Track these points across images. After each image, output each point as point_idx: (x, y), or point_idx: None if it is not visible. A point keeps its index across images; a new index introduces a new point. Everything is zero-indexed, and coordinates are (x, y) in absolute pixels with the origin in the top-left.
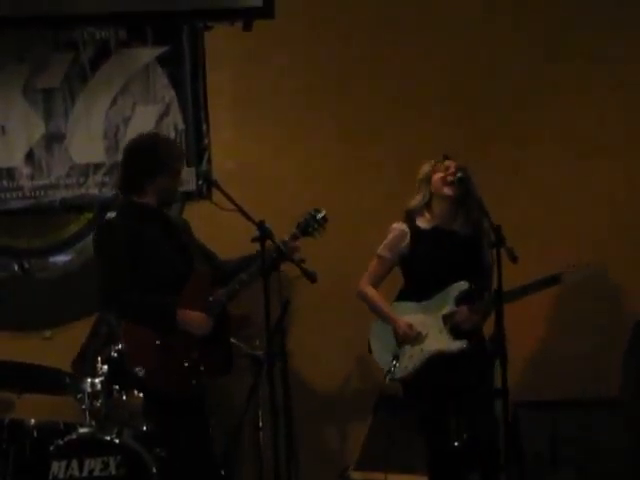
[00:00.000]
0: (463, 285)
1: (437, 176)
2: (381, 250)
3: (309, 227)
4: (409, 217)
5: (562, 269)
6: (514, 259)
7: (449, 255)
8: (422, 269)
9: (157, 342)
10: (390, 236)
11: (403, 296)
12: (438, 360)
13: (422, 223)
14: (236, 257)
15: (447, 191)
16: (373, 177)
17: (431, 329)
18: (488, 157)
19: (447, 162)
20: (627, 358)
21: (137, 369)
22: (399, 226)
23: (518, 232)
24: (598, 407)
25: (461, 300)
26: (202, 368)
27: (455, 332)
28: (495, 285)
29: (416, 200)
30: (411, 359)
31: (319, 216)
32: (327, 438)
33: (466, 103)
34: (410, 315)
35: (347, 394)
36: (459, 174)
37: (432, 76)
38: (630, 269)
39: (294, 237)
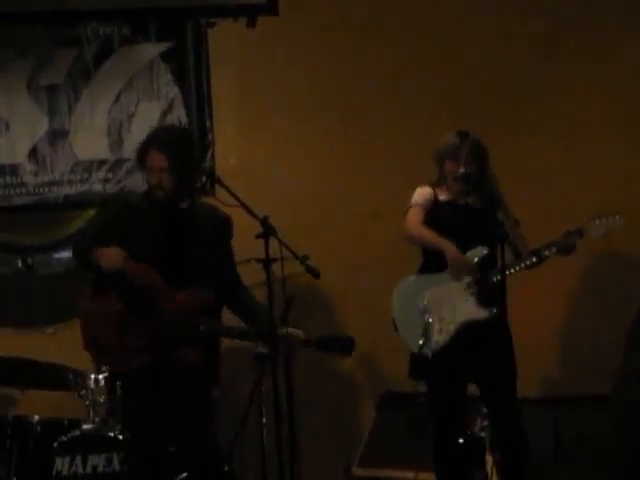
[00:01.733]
0: (482, 250)
1: (449, 167)
2: (414, 201)
3: None
4: (430, 186)
5: (584, 223)
6: (517, 256)
7: (464, 226)
8: None
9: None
10: (418, 191)
11: (423, 269)
12: (464, 338)
13: (441, 195)
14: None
15: (457, 187)
16: (377, 174)
17: (457, 299)
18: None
19: (460, 152)
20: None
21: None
22: (425, 189)
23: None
24: (602, 404)
25: (482, 265)
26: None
27: (481, 299)
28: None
29: (435, 175)
30: (441, 333)
31: None
32: (331, 434)
33: (466, 99)
34: (433, 287)
35: (351, 390)
36: (462, 170)
37: (433, 74)
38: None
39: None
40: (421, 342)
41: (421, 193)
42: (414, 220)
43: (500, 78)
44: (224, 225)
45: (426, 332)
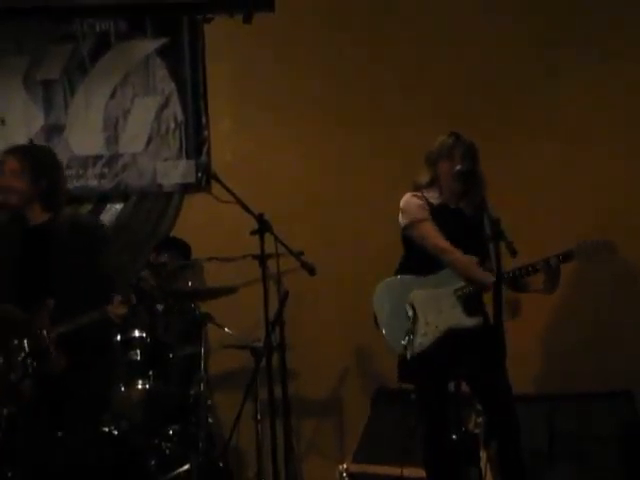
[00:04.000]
0: (473, 259)
1: (444, 167)
2: (418, 216)
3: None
4: (417, 190)
5: (574, 246)
6: (513, 253)
7: (454, 232)
8: None
9: None
10: (414, 202)
11: (404, 269)
12: (449, 340)
13: (431, 198)
14: None
15: (454, 187)
16: (373, 169)
17: (444, 304)
18: (486, 148)
19: (455, 151)
20: None
21: None
22: (414, 199)
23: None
24: (595, 400)
25: None
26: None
27: (469, 308)
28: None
29: (424, 178)
30: (426, 336)
31: None
32: (325, 430)
33: (464, 95)
34: (422, 289)
35: (345, 386)
36: (459, 167)
37: (432, 70)
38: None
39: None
40: (404, 342)
41: (418, 205)
42: (444, 243)
43: (499, 82)
44: (85, 233)
45: (410, 333)
